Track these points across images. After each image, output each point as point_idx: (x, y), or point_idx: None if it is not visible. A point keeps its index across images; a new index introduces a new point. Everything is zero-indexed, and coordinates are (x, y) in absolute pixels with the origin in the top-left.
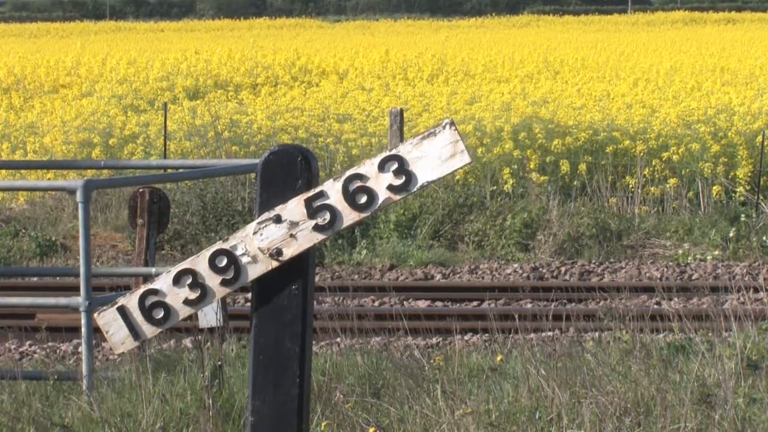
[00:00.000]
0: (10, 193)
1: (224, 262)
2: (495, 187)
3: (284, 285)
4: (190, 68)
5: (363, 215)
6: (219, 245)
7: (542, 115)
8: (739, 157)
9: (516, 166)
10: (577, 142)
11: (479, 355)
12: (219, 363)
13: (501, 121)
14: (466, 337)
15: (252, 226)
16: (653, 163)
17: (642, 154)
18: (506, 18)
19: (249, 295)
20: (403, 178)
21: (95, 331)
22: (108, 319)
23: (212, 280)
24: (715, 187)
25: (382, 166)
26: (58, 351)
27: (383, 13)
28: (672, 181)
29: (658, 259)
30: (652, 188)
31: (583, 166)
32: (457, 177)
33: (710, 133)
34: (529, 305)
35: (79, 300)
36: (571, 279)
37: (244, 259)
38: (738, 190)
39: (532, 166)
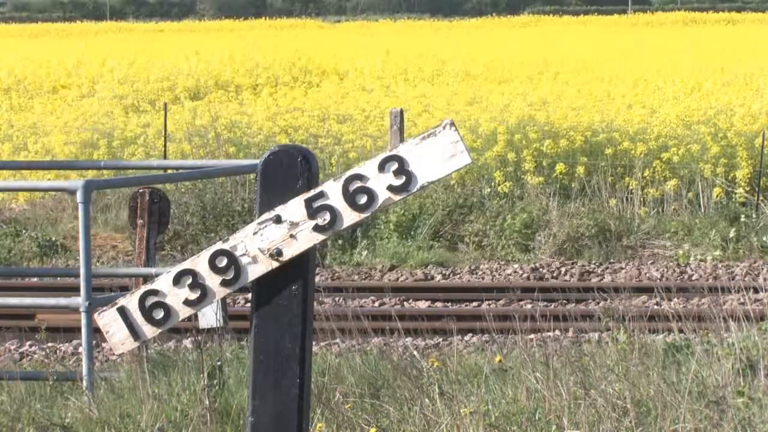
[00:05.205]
0: (11, 193)
1: (224, 262)
2: (489, 189)
3: (284, 285)
4: (191, 69)
5: (363, 215)
6: (219, 245)
7: (537, 117)
8: (738, 158)
9: (511, 168)
10: (573, 144)
11: (479, 355)
12: (218, 363)
13: (497, 122)
14: (465, 338)
15: (252, 226)
16: (654, 164)
17: (641, 155)
18: (506, 18)
19: (249, 296)
20: (404, 178)
21: (95, 331)
22: (108, 320)
23: (212, 281)
24: (716, 189)
25: (382, 167)
26: (58, 351)
27: (383, 14)
28: (672, 182)
29: (658, 260)
30: (652, 190)
31: (580, 169)
32: (453, 181)
33: (710, 134)
34: (528, 306)
35: (79, 300)
36: (571, 279)
37: (244, 260)
38: (737, 191)
39: (527, 168)
